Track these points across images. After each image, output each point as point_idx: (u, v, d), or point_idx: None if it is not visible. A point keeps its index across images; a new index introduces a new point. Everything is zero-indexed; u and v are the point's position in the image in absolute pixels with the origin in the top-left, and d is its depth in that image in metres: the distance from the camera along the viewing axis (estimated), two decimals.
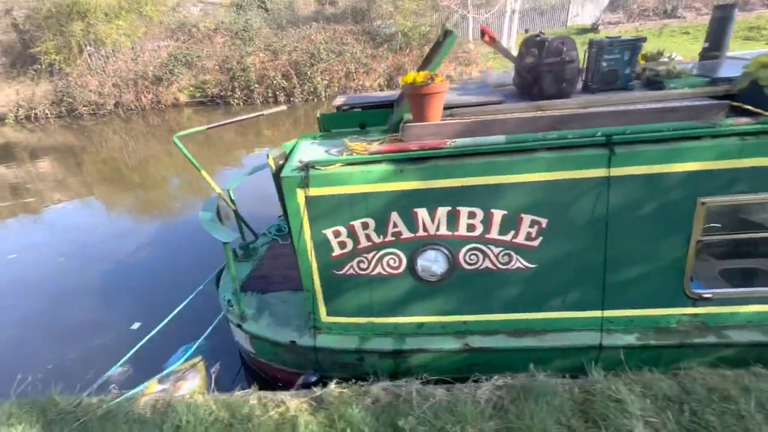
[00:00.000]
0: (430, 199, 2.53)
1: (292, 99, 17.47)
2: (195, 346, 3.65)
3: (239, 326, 3.19)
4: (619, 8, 25.34)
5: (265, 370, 3.39)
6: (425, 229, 2.60)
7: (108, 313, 4.72)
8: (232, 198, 3.91)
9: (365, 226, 2.63)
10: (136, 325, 4.33)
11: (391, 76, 18.83)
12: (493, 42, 3.23)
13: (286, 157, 2.88)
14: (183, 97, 18.47)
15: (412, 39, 18.94)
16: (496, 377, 2.39)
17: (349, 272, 2.77)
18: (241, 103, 17.53)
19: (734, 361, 2.54)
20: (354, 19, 24.36)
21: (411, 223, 2.59)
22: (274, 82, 17.31)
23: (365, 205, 2.58)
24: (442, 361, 2.81)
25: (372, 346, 2.81)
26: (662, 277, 2.54)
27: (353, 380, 2.96)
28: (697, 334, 2.56)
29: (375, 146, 2.53)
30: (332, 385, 2.40)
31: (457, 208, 2.52)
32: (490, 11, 21.90)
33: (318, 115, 3.77)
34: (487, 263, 2.62)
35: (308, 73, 17.35)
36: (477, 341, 2.72)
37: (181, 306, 3.65)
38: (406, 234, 2.62)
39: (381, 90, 18.59)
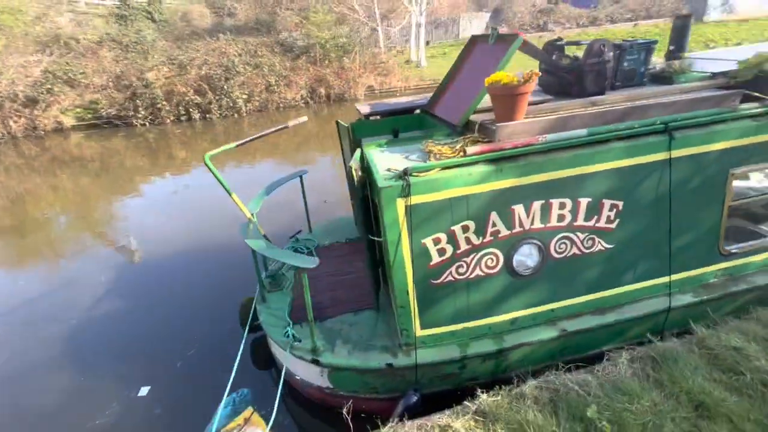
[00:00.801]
0: (526, 195, 2.60)
1: (208, 116, 16.06)
2: (239, 396, 3.17)
3: (315, 361, 2.85)
4: (503, 22, 28.73)
5: (344, 405, 3.07)
6: (521, 225, 2.66)
7: (94, 385, 3.74)
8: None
9: (465, 229, 2.59)
10: (144, 391, 3.53)
11: (313, 88, 18.57)
12: (526, 45, 3.45)
13: (364, 168, 2.68)
14: (69, 120, 15.67)
15: (330, 51, 18.93)
16: (613, 354, 2.55)
17: (447, 279, 2.68)
18: (147, 124, 15.55)
19: (759, 302, 3.11)
20: (259, 30, 23.53)
21: (508, 220, 2.63)
22: (186, 98, 15.73)
23: (466, 207, 2.54)
24: (538, 352, 2.88)
25: (475, 351, 2.76)
26: (706, 239, 2.99)
27: (457, 390, 2.88)
28: (732, 284, 3.07)
29: (473, 148, 2.52)
30: (484, 396, 2.28)
31: (550, 200, 2.64)
32: (399, 24, 23.03)
33: (348, 124, 3.59)
34: (574, 250, 2.79)
35: (224, 87, 16.15)
36: (570, 326, 2.86)
37: (239, 357, 3.12)
38: (504, 232, 2.65)
39: (306, 102, 18.23)
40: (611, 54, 3.03)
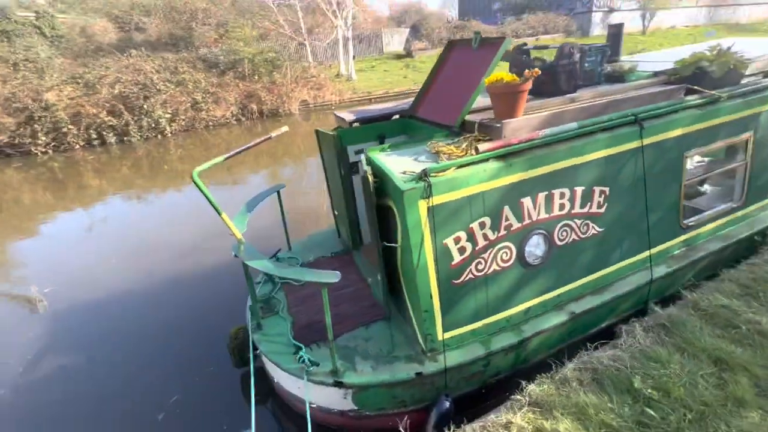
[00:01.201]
0: (532, 188, 2.72)
1: (126, 139, 14.51)
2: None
3: (339, 383, 2.64)
4: (423, 38, 30.33)
5: (374, 427, 2.88)
6: (530, 217, 2.77)
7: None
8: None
9: (482, 225, 2.62)
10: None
11: (244, 104, 17.79)
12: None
13: (365, 174, 2.59)
14: None
15: (259, 66, 18.34)
16: (627, 327, 2.74)
17: (467, 278, 2.68)
18: (50, 151, 13.59)
19: (713, 266, 3.59)
20: (175, 46, 22.13)
21: (519, 213, 2.72)
22: (98, 120, 14.06)
23: (482, 204, 2.58)
24: (552, 337, 3.00)
25: (498, 346, 2.78)
26: (671, 215, 3.39)
27: (481, 389, 2.87)
28: (692, 253, 3.51)
29: (484, 145, 2.57)
30: (531, 386, 2.28)
31: (552, 191, 2.79)
32: (328, 39, 23.12)
33: (335, 132, 3.47)
34: (573, 236, 2.97)
35: (144, 106, 14.76)
36: (576, 308, 3.03)
37: (253, 394, 2.75)
38: (516, 225, 2.73)
39: (237, 120, 17.39)
40: (578, 56, 3.33)
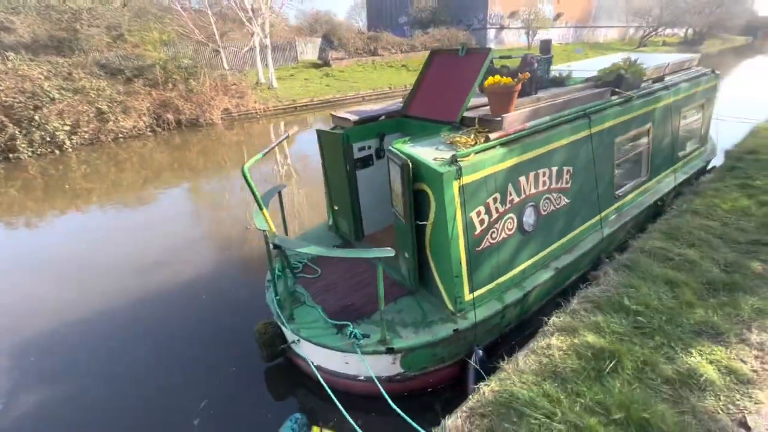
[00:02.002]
0: (526, 168, 3.38)
1: (13, 155, 12.42)
2: (295, 423, 3.00)
3: (390, 350, 2.96)
4: (340, 48, 30.96)
5: (415, 386, 3.22)
6: (525, 192, 3.42)
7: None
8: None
9: (495, 200, 3.19)
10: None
11: (158, 114, 16.40)
12: None
13: (405, 162, 2.98)
14: None
15: (172, 73, 17.08)
16: (601, 268, 3.55)
17: (485, 245, 3.22)
18: None
19: (635, 226, 4.69)
20: (58, 50, 19.52)
21: (518, 189, 3.35)
22: None
23: (494, 182, 3.15)
24: (542, 290, 3.69)
25: (509, 300, 3.35)
26: (609, 187, 4.38)
27: (497, 340, 3.44)
28: (623, 217, 4.56)
29: (493, 135, 3.14)
30: (552, 319, 2.87)
31: (538, 171, 3.49)
32: (245, 47, 22.36)
33: (342, 131, 3.78)
34: (551, 206, 3.72)
35: (35, 117, 12.79)
36: (558, 264, 3.77)
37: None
38: (516, 199, 3.36)
39: (152, 131, 15.97)
40: (536, 65, 4.14)
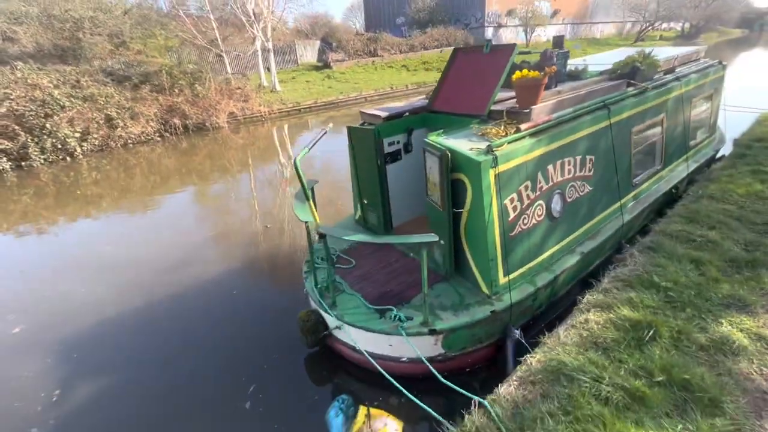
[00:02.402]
0: (553, 157, 3.55)
1: (26, 163, 12.59)
2: (342, 403, 3.17)
3: (432, 331, 3.13)
4: (340, 49, 31.14)
5: (455, 366, 3.39)
6: (553, 180, 3.59)
7: None
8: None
9: (526, 188, 3.36)
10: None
11: (165, 119, 16.58)
12: None
13: (444, 153, 3.16)
14: None
15: (178, 78, 17.28)
16: (625, 251, 3.72)
17: (518, 231, 3.39)
18: None
19: (651, 212, 4.86)
20: (62, 59, 19.73)
21: (546, 177, 3.53)
22: None
23: (525, 171, 3.32)
24: (570, 274, 3.86)
25: (541, 283, 3.53)
26: (627, 176, 4.55)
27: (529, 321, 3.62)
28: (640, 204, 4.73)
29: (523, 126, 3.32)
30: (587, 297, 3.04)
31: (564, 159, 3.66)
32: (249, 51, 22.57)
33: (374, 127, 3.96)
34: (576, 194, 3.89)
35: (46, 125, 12.98)
36: (584, 249, 3.95)
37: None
38: (545, 186, 3.53)
39: (161, 135, 16.14)
40: (555, 59, 4.32)
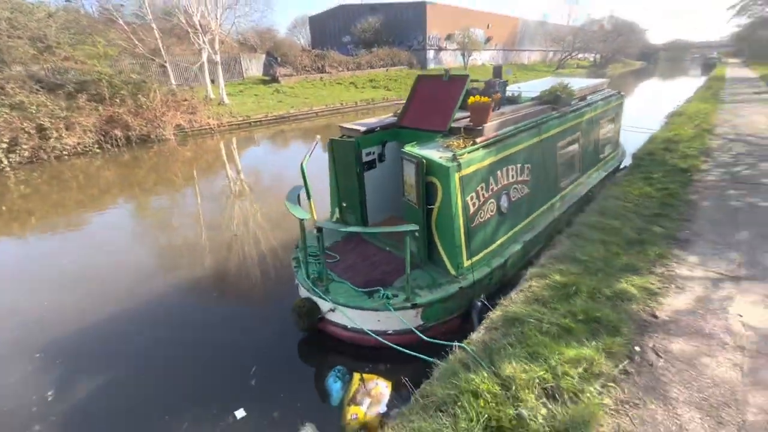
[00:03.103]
0: (500, 165, 4.50)
1: None
2: (338, 372, 3.78)
3: (414, 305, 3.84)
4: (288, 64, 31.44)
5: (431, 335, 4.09)
6: (500, 182, 4.53)
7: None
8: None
9: (482, 188, 4.25)
10: (240, 413, 3.42)
11: (105, 131, 15.82)
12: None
13: (420, 160, 3.94)
14: None
15: (120, 88, 16.63)
16: (556, 238, 4.75)
17: (477, 222, 4.26)
18: None
19: (573, 211, 6.07)
20: None
21: (496, 180, 4.45)
22: None
23: (481, 175, 4.21)
24: (516, 259, 4.80)
25: (495, 265, 4.42)
26: (555, 180, 5.69)
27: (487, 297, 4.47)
28: (566, 202, 5.91)
29: (478, 139, 4.22)
30: (530, 269, 3.94)
31: (508, 167, 4.63)
32: (195, 62, 22.16)
33: (354, 139, 4.66)
34: (518, 194, 4.88)
35: None
36: (526, 238, 4.93)
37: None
38: (495, 187, 4.45)
39: (100, 147, 15.34)
40: (497, 87, 5.37)
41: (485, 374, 2.51)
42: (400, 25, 37.88)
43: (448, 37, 37.88)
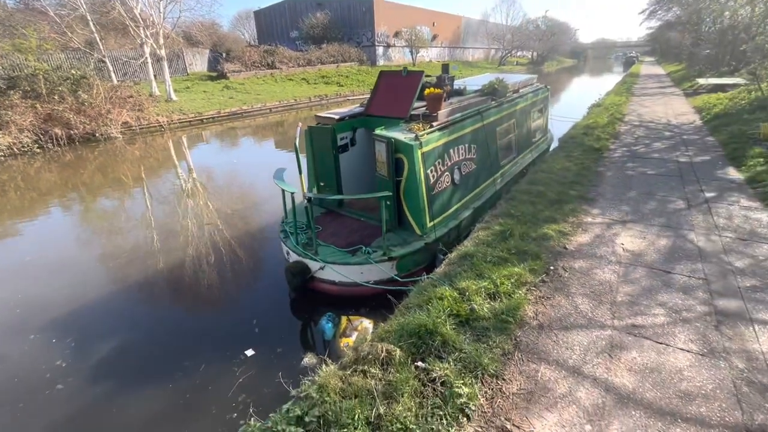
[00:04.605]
0: (452, 144, 5.54)
1: None
2: (328, 318, 4.63)
3: (391, 258, 4.77)
4: (236, 60, 30.85)
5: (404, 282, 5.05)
6: (453, 159, 5.58)
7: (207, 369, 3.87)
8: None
9: (439, 162, 5.26)
10: (250, 351, 4.14)
11: (45, 129, 15.06)
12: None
13: (389, 140, 4.85)
14: None
15: (58, 84, 15.84)
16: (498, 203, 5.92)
17: (436, 190, 5.27)
18: None
19: (511, 183, 7.32)
20: None
21: (449, 156, 5.49)
22: None
23: (437, 152, 5.22)
24: (468, 222, 5.90)
25: (453, 224, 5.47)
26: (496, 158, 6.88)
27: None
28: (505, 178, 7.14)
29: (435, 124, 5.21)
30: (477, 225, 5.03)
31: (458, 146, 5.70)
32: (138, 57, 21.34)
33: (332, 125, 5.48)
34: (467, 169, 5.98)
35: None
36: (475, 205, 6.04)
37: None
38: (449, 162, 5.49)
39: (40, 147, 14.65)
40: (447, 81, 6.43)
41: (447, 288, 3.50)
42: (348, 21, 38.40)
43: (396, 34, 39.06)
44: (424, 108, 5.61)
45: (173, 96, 21.95)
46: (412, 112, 5.58)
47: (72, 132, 15.84)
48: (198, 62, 32.77)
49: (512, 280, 3.61)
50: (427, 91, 5.32)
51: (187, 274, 5.90)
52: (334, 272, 4.80)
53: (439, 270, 4.12)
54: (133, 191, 10.69)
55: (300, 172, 4.50)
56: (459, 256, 4.18)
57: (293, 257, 5.15)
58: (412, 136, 4.92)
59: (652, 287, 3.65)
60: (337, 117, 5.67)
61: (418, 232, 5.16)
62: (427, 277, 4.02)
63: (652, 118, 12.75)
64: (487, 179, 6.58)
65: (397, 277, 4.68)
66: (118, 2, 19.70)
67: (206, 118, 20.74)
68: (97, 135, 16.43)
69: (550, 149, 9.81)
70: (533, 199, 5.70)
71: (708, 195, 5.86)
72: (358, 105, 6.47)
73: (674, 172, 7.02)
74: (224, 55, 31.60)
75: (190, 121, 20.11)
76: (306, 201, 4.63)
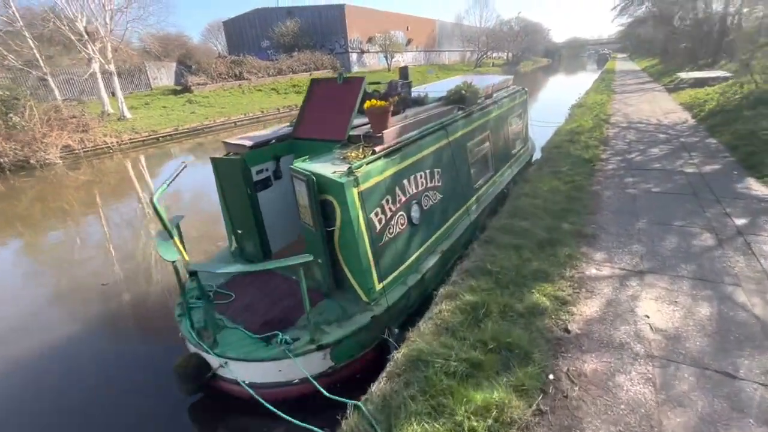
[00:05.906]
0: (407, 172, 4.11)
1: None
2: None
3: (320, 346, 3.30)
4: (201, 72, 29.12)
5: (345, 375, 3.57)
6: (409, 192, 4.15)
7: None
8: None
9: (387, 201, 3.82)
10: None
11: None
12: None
13: (309, 178, 3.41)
14: None
15: None
16: (472, 246, 4.50)
17: (385, 240, 3.82)
18: None
19: (490, 210, 5.95)
20: None
21: (403, 190, 4.06)
22: None
23: (385, 187, 3.79)
24: (434, 271, 4.47)
25: (411, 283, 4.02)
26: (468, 180, 5.50)
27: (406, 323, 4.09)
28: (481, 203, 5.76)
29: (378, 148, 3.79)
30: (440, 290, 3.59)
31: (416, 174, 4.27)
32: (85, 74, 19.49)
33: (241, 156, 4.00)
34: (431, 202, 4.56)
35: None
36: (443, 247, 4.62)
37: None
38: (404, 198, 4.05)
39: None
40: (400, 88, 5.03)
41: None
42: (320, 28, 37.15)
43: (370, 40, 37.91)
44: (369, 126, 4.21)
45: (126, 113, 20.17)
46: (353, 133, 4.16)
47: (1, 160, 14.02)
48: (164, 76, 31.06)
49: (489, 419, 2.17)
50: (366, 104, 3.89)
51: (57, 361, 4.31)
52: (242, 370, 3.32)
53: (377, 388, 2.64)
54: (67, 225, 9.00)
55: (171, 236, 3.01)
56: (409, 360, 2.73)
57: (191, 347, 3.64)
58: (345, 168, 3.49)
59: (714, 413, 2.27)
60: (250, 143, 4.20)
61: (364, 299, 3.71)
62: (355, 405, 2.55)
63: (639, 118, 11.63)
64: (457, 210, 5.18)
65: (332, 369, 3.21)
66: (53, 14, 17.84)
67: (162, 136, 19.02)
68: (32, 162, 14.60)
69: (533, 160, 8.51)
70: (516, 242, 4.30)
71: (738, 222, 4.57)
72: (287, 124, 5.02)
73: (685, 189, 5.75)
74: (192, 67, 29.86)
75: (143, 141, 18.34)
76: (189, 275, 3.14)
